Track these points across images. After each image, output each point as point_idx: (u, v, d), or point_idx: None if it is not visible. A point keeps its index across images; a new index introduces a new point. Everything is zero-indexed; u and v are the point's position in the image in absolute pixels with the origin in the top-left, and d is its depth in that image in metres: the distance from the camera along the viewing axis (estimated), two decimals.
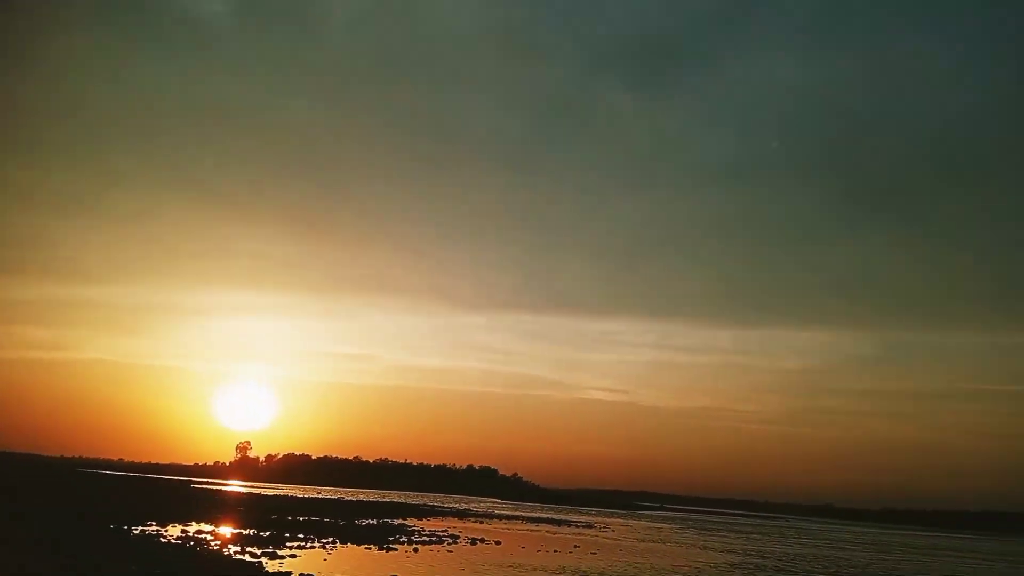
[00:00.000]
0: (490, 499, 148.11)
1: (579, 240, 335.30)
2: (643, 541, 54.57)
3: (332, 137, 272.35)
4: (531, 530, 57.56)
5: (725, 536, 72.34)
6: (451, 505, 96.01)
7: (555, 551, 38.94)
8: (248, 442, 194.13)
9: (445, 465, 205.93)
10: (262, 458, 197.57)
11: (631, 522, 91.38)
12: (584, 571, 30.11)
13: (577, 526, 68.57)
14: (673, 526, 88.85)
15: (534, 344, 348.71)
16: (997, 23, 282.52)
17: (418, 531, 44.94)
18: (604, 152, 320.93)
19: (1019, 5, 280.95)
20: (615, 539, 54.16)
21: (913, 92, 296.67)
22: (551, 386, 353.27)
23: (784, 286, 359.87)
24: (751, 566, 38.80)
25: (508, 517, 76.17)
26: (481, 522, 62.77)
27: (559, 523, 71.71)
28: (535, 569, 29.61)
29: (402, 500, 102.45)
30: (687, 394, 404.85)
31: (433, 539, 39.81)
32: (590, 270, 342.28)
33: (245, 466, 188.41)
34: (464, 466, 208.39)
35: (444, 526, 52.13)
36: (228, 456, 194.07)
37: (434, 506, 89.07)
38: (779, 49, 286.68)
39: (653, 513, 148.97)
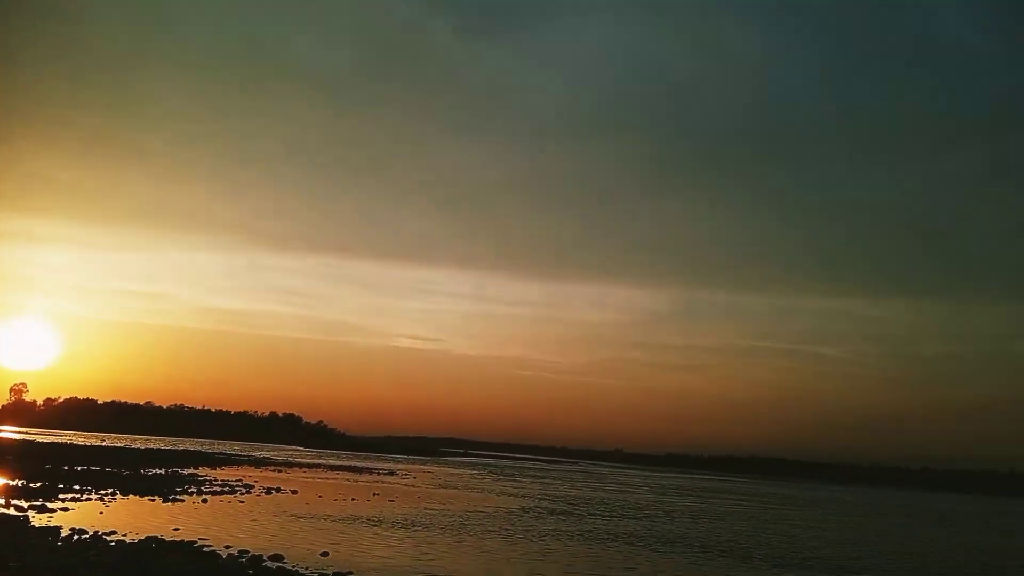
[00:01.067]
0: (293, 447, 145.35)
1: (399, 184, 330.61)
2: (442, 487, 55.95)
3: (141, 56, 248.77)
4: (331, 478, 57.25)
5: (522, 481, 75.74)
6: (250, 454, 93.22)
7: (352, 499, 39.00)
8: (24, 384, 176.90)
9: (246, 412, 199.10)
10: (40, 402, 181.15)
11: (434, 469, 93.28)
12: (377, 518, 30.39)
13: (379, 473, 69.05)
14: (474, 472, 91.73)
15: (345, 289, 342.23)
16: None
17: (210, 481, 43.29)
18: (432, 95, 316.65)
19: None
20: (415, 486, 55.12)
21: (733, 63, 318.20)
22: (361, 332, 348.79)
23: (594, 243, 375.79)
24: (540, 509, 40.96)
25: (309, 465, 75.22)
26: (279, 471, 61.55)
27: (361, 471, 71.85)
28: (326, 518, 29.50)
29: (197, 448, 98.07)
30: (499, 344, 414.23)
31: (225, 489, 38.51)
32: (408, 216, 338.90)
33: (20, 410, 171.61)
34: (266, 413, 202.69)
35: (239, 475, 50.57)
36: (0, 399, 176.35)
37: (231, 455, 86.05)
38: (612, 10, 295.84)
39: (457, 460, 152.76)
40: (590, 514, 40.48)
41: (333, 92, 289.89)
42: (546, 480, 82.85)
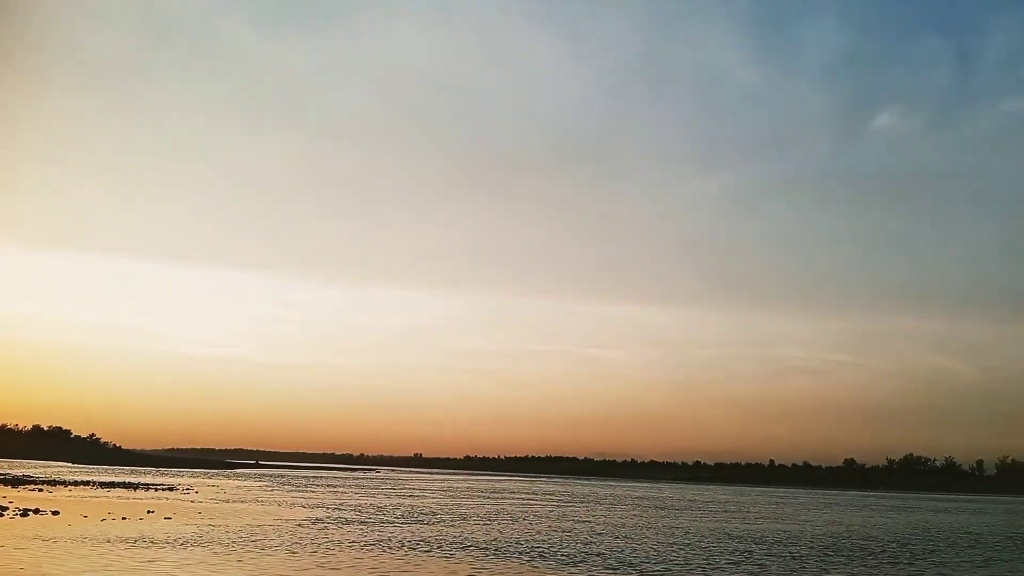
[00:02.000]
0: (60, 464, 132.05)
1: (189, 182, 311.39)
2: (228, 501, 53.17)
3: None
4: (101, 496, 52.61)
5: (315, 491, 73.75)
6: (6, 472, 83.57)
7: (123, 518, 36.03)
8: None
9: (4, 426, 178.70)
10: None
11: (221, 482, 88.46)
12: (149, 538, 28.31)
13: (158, 489, 64.42)
14: (264, 484, 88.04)
15: (125, 291, 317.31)
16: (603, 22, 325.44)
17: None
18: (225, 87, 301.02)
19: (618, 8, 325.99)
20: (196, 501, 51.96)
21: (531, 77, 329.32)
22: (141, 336, 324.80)
23: (392, 248, 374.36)
24: (331, 520, 40.06)
25: (78, 483, 68.68)
26: (40, 490, 55.66)
27: (136, 487, 66.65)
28: (89, 540, 27.05)
29: None
30: (296, 350, 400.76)
31: None
32: (198, 216, 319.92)
33: None
34: (28, 427, 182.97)
35: None
36: None
37: None
38: (415, 14, 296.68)
39: (247, 472, 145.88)
40: (382, 522, 40.16)
41: (100, 79, 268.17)
42: (341, 489, 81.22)
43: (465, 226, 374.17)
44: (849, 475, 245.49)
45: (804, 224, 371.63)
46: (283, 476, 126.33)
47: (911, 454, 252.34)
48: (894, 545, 37.30)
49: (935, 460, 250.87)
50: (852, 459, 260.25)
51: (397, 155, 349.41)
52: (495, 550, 28.91)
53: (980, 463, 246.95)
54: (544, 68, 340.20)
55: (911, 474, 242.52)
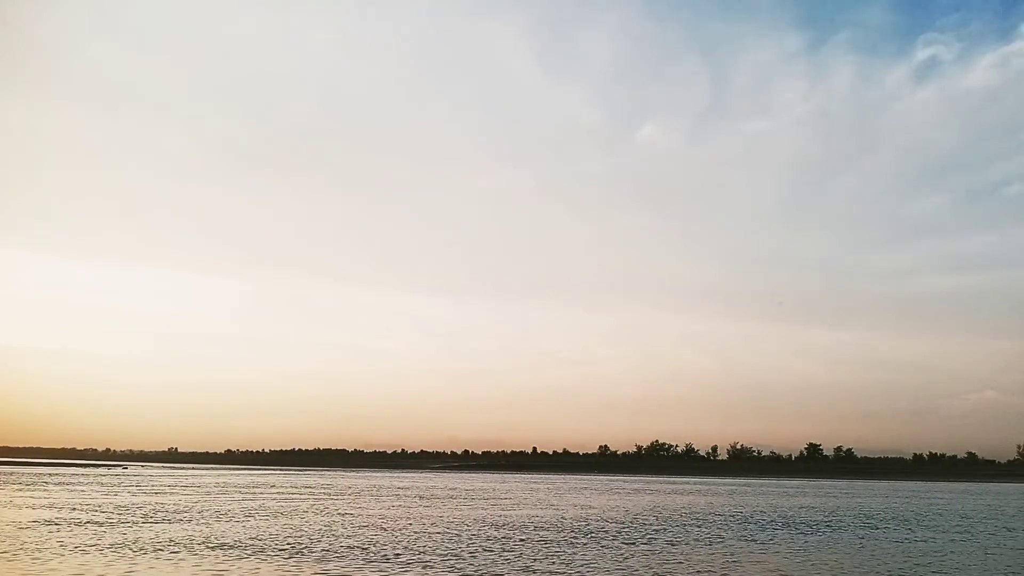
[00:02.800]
0: None
1: None
2: None
3: None
4: None
5: (48, 490, 66.68)
6: None
7: None
8: None
9: None
10: None
11: None
12: None
13: None
14: None
15: None
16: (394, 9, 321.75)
17: None
18: None
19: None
20: None
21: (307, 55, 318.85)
22: None
23: (156, 224, 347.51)
24: (65, 520, 36.34)
25: None
26: None
27: None
28: None
29: None
30: (33, 333, 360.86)
31: None
32: None
33: None
34: None
35: None
36: None
37: None
38: None
39: None
40: (121, 523, 37.06)
41: None
42: (79, 488, 73.93)
43: (242, 207, 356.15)
44: (602, 461, 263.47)
45: (574, 224, 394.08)
46: (13, 475, 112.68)
47: (657, 440, 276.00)
48: (632, 524, 40.54)
49: (677, 446, 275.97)
50: (606, 446, 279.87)
51: (175, 129, 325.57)
52: (248, 548, 27.72)
53: (715, 448, 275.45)
54: (331, 48, 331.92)
55: (656, 459, 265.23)
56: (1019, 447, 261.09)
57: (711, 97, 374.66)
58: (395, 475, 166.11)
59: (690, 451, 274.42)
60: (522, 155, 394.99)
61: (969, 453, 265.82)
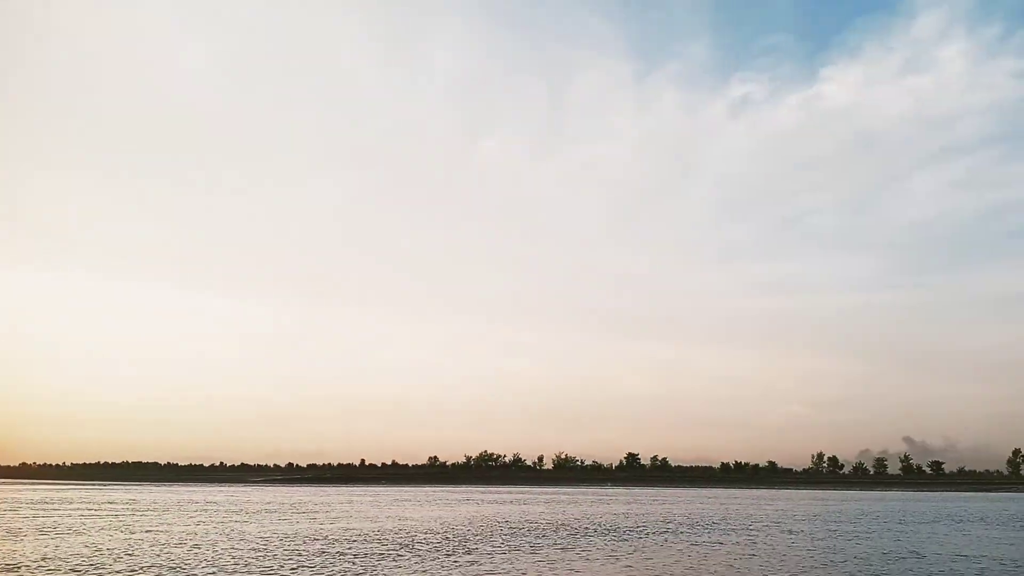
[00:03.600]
0: None
1: None
2: None
3: None
4: None
5: None
6: None
7: None
8: None
9: None
10: None
11: None
12: None
13: None
14: None
15: None
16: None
17: None
18: None
19: None
20: None
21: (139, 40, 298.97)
22: None
23: None
24: None
25: None
26: None
27: None
28: None
29: None
30: None
31: None
32: None
33: None
34: None
35: None
36: None
37: None
38: None
39: None
40: None
41: None
42: None
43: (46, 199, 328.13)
44: (432, 472, 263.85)
45: (407, 233, 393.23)
46: None
47: (486, 451, 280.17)
48: (447, 536, 41.48)
49: (504, 456, 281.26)
50: (436, 457, 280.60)
51: None
52: (38, 570, 26.05)
53: (541, 458, 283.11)
54: (156, 37, 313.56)
55: (485, 469, 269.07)
56: (813, 456, 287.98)
57: (549, 117, 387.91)
58: (211, 489, 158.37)
59: (517, 461, 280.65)
60: (361, 160, 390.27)
61: (769, 462, 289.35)
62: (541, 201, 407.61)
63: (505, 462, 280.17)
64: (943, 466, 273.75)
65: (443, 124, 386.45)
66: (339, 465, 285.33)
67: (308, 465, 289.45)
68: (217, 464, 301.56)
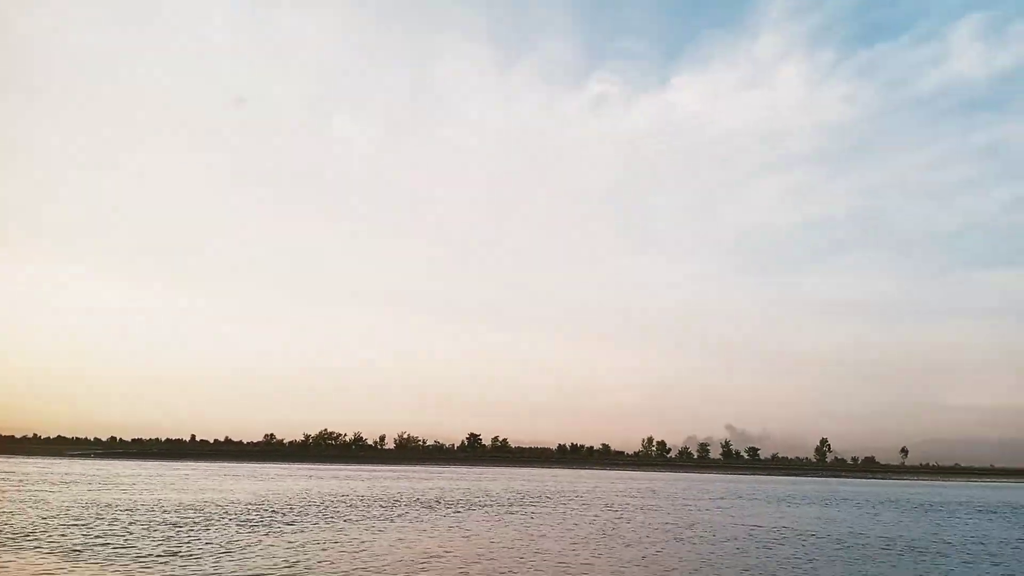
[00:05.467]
0: None
1: None
2: None
3: None
4: None
5: None
6: None
7: None
8: None
9: None
10: None
11: None
12: None
13: None
14: None
15: None
16: None
17: None
18: None
19: None
20: None
21: None
22: None
23: None
24: None
25: None
26: None
27: None
28: None
29: None
30: None
31: None
32: None
33: None
34: None
35: None
36: None
37: None
38: None
39: None
40: None
41: None
42: None
43: None
44: (268, 449, 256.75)
45: (259, 215, 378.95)
46: None
47: (325, 430, 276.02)
48: (258, 507, 41.09)
49: (345, 435, 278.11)
50: (272, 435, 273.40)
51: None
52: None
53: (382, 438, 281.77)
54: None
55: (324, 448, 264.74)
56: (643, 440, 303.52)
57: (412, 101, 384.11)
58: (23, 461, 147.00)
59: (358, 440, 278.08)
60: (216, 139, 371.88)
61: (603, 445, 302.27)
62: (397, 185, 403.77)
63: (346, 441, 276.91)
64: (759, 452, 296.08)
65: (297, 103, 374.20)
66: (167, 440, 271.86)
67: (133, 440, 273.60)
68: (31, 436, 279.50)
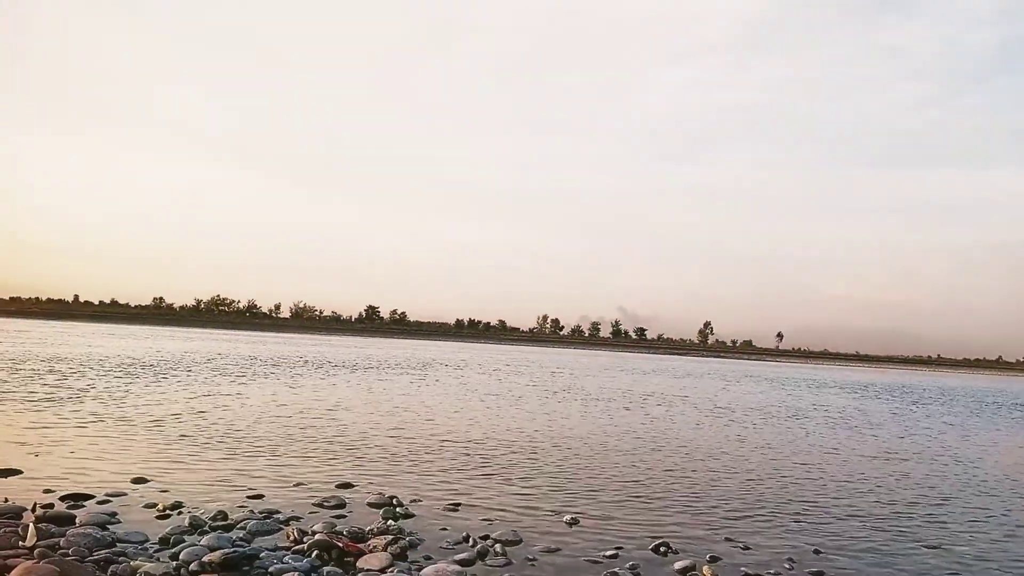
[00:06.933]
0: None
1: None
2: None
3: None
4: None
5: None
6: None
7: None
8: None
9: None
10: None
11: None
12: None
13: None
14: None
15: None
16: None
17: None
18: None
19: None
20: None
21: None
22: None
23: None
24: None
25: None
26: None
27: None
28: None
29: None
30: None
31: None
32: None
33: None
34: None
35: None
36: None
37: None
38: None
39: None
40: None
41: None
42: None
43: None
44: (156, 313, 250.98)
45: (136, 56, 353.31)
46: None
47: (219, 296, 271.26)
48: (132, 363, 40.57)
49: (239, 302, 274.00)
50: (161, 298, 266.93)
51: None
52: None
53: (278, 306, 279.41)
54: None
55: (218, 314, 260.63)
56: (538, 318, 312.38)
57: None
58: None
59: (252, 308, 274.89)
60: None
61: (500, 321, 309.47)
62: (295, 43, 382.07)
63: (239, 308, 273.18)
64: (646, 332, 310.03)
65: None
66: (48, 300, 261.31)
67: (11, 298, 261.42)
68: None
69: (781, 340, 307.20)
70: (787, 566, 9.49)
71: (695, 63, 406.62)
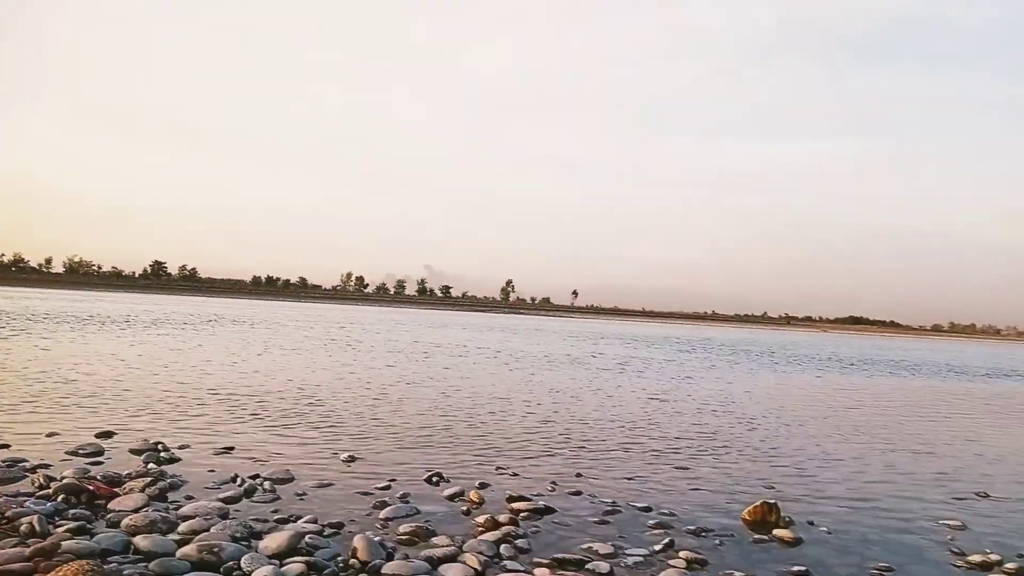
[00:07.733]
0: None
1: None
2: None
3: None
4: None
5: None
6: None
7: None
8: None
9: None
10: None
11: None
12: None
13: None
14: None
15: None
16: None
17: None
18: None
19: None
20: None
21: None
22: None
23: None
24: None
25: None
26: None
27: None
28: None
29: None
30: None
31: None
32: None
33: None
34: None
35: None
36: None
37: None
38: None
39: None
40: None
41: None
42: None
43: None
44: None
45: None
46: None
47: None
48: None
49: (3, 255, 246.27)
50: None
51: None
52: None
53: (49, 260, 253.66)
54: None
55: (19, 272, 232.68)
56: (342, 276, 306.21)
57: None
58: None
59: (18, 261, 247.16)
60: None
61: (301, 278, 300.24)
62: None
63: (2, 262, 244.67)
64: (451, 290, 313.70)
65: None
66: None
67: None
68: None
69: (576, 297, 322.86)
70: (549, 488, 10.15)
71: (523, 28, 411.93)
